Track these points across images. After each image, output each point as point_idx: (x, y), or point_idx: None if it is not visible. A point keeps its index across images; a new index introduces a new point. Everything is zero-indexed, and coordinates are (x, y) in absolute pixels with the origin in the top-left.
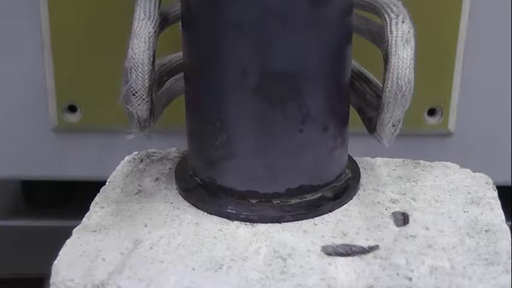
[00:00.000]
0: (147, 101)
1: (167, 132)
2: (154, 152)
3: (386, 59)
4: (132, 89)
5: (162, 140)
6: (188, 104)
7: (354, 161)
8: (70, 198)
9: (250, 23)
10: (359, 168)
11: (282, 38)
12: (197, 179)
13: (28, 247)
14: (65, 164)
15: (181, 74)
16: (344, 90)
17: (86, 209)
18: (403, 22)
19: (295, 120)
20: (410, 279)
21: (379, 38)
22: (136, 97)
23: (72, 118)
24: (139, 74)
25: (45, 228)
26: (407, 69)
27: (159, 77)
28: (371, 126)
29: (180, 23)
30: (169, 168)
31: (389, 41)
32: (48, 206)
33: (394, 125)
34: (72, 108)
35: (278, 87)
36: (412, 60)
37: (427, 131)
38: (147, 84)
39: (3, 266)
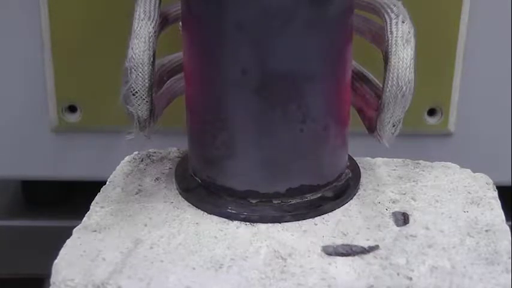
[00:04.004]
0: (147, 101)
1: (167, 132)
2: (155, 152)
3: (386, 59)
4: (132, 89)
5: (162, 140)
6: (188, 104)
7: (354, 161)
8: (70, 198)
9: (250, 22)
10: (359, 168)
11: (282, 37)
12: (197, 178)
13: (28, 247)
14: (65, 164)
15: (182, 74)
16: (344, 90)
17: (86, 209)
18: (403, 22)
19: (296, 119)
20: (411, 278)
21: (379, 38)
22: (137, 97)
23: (72, 118)
24: (140, 74)
25: (45, 228)
26: (408, 69)
27: (159, 77)
28: (371, 126)
29: (180, 23)
30: (170, 168)
31: (390, 41)
32: (48, 206)
33: (394, 125)
34: (72, 108)
35: (278, 86)
36: (412, 60)
37: (427, 131)
38: (147, 85)
39: (3, 266)
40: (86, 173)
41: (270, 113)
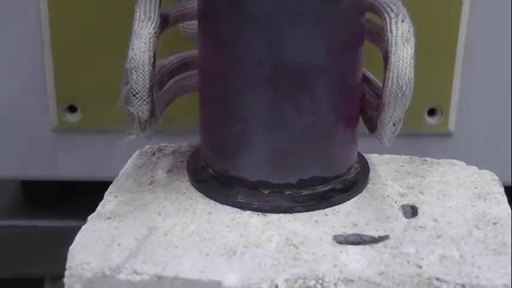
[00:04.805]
0: (147, 102)
1: (167, 132)
2: (166, 146)
3: (386, 59)
4: (132, 90)
5: (162, 140)
6: (202, 97)
7: (363, 156)
8: (70, 198)
9: (265, 15)
10: (368, 163)
11: (295, 30)
12: (210, 170)
13: (28, 247)
14: (65, 164)
15: (182, 75)
16: (355, 84)
17: (85, 209)
18: (402, 21)
19: (308, 112)
20: (421, 267)
21: (379, 38)
22: (137, 98)
23: (72, 118)
24: (140, 75)
25: (45, 228)
26: (408, 68)
27: (159, 78)
28: (371, 126)
29: (181, 24)
30: (181, 161)
31: (389, 40)
32: (48, 206)
33: (394, 125)
34: (72, 108)
35: (291, 79)
36: (412, 60)
37: (427, 131)
38: (147, 85)
39: (3, 266)
40: (86, 173)
41: (283, 105)
